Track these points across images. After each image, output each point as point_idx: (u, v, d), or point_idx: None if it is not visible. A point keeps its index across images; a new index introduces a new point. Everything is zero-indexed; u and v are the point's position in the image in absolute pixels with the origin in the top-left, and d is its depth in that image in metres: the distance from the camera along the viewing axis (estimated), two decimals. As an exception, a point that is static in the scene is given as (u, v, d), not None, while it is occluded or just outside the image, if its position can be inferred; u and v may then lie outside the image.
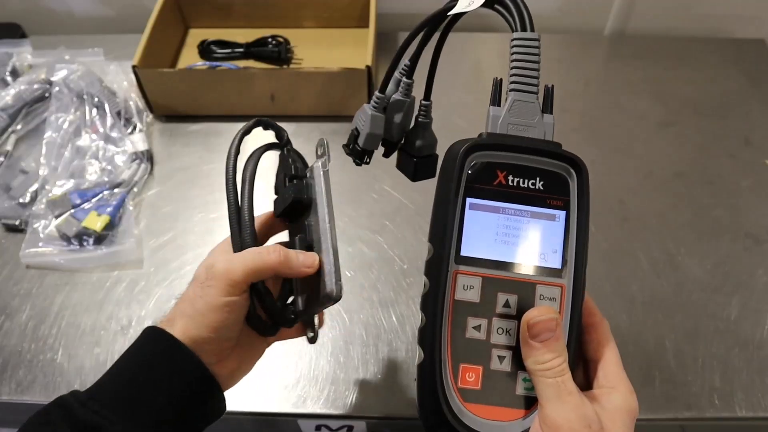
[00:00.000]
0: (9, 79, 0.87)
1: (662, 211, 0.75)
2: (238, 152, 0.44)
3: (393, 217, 0.74)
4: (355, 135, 0.47)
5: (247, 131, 0.45)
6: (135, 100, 0.85)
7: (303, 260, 0.41)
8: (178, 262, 0.70)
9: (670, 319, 0.65)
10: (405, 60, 0.44)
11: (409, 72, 0.44)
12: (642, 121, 0.86)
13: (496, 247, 0.35)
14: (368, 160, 0.48)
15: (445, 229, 0.35)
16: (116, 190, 0.75)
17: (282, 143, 0.48)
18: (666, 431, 0.61)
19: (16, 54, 0.90)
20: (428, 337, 0.34)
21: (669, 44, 0.98)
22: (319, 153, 0.46)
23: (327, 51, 0.94)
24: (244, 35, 0.94)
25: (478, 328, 0.35)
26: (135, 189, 0.77)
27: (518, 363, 0.34)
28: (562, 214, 0.36)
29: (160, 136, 0.84)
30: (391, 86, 0.45)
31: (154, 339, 0.39)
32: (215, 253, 0.42)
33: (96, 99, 0.82)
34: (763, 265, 0.69)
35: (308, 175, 0.46)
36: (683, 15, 1.02)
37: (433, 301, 0.34)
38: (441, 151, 0.39)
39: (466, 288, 0.35)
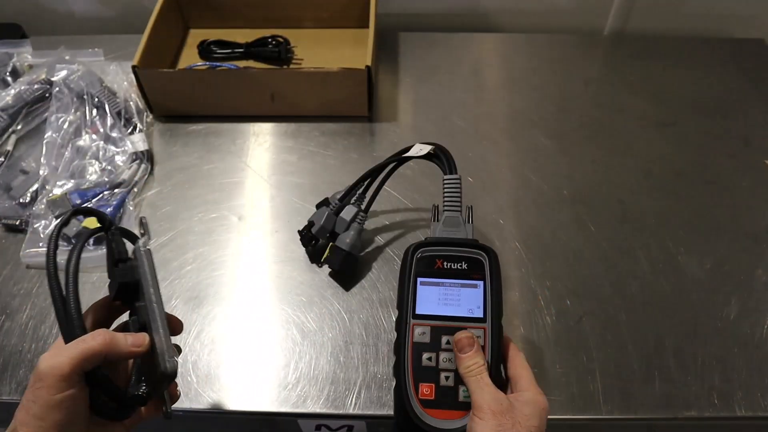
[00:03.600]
0: (9, 79, 0.87)
1: (662, 210, 0.75)
2: (56, 246, 0.44)
3: (393, 217, 0.74)
4: (310, 223, 0.69)
5: (64, 223, 0.46)
6: (135, 100, 0.85)
7: (132, 341, 0.42)
8: (178, 261, 0.70)
9: (670, 318, 0.65)
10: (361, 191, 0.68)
11: (366, 207, 0.68)
12: (641, 120, 0.86)
13: (439, 306, 0.52)
14: (311, 246, 0.70)
15: (405, 298, 0.52)
16: (116, 191, 0.75)
17: (105, 227, 0.48)
18: (664, 431, 0.62)
19: (16, 54, 0.90)
20: (398, 368, 0.51)
21: (668, 44, 0.98)
22: (140, 233, 0.48)
23: (327, 51, 0.94)
24: (244, 35, 0.94)
25: (430, 359, 0.50)
26: (135, 189, 0.77)
27: (458, 380, 0.49)
28: (480, 283, 0.52)
29: (160, 136, 0.84)
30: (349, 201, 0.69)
31: None
32: (44, 355, 0.42)
33: (96, 99, 0.82)
34: (763, 264, 0.69)
35: (133, 257, 0.47)
36: (683, 15, 1.02)
37: (399, 346, 0.51)
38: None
39: (421, 334, 0.51)
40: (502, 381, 0.49)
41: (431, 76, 0.92)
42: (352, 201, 0.68)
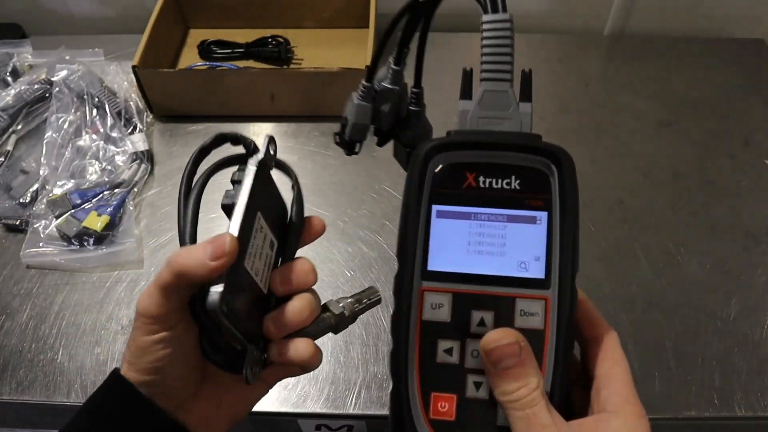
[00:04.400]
0: (9, 79, 0.87)
1: (662, 210, 0.75)
2: (194, 169, 0.38)
3: (393, 217, 0.74)
4: (343, 125, 0.45)
5: (206, 148, 0.38)
6: (135, 100, 0.85)
7: (211, 251, 0.32)
8: (178, 262, 0.70)
9: (670, 318, 0.65)
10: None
11: (397, 59, 0.41)
12: (642, 120, 0.86)
13: (468, 258, 0.32)
14: (357, 150, 0.46)
15: (409, 242, 0.32)
16: (116, 190, 0.75)
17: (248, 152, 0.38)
18: (664, 431, 0.62)
19: (16, 54, 0.90)
20: (396, 363, 0.32)
21: (669, 44, 0.98)
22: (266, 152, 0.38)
23: (327, 51, 0.94)
24: (244, 35, 0.94)
25: (449, 351, 0.31)
26: (135, 189, 0.77)
27: None
28: (543, 215, 0.32)
29: (160, 136, 0.84)
30: (379, 74, 0.42)
31: (114, 389, 0.35)
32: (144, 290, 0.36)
33: (96, 99, 0.82)
34: (763, 264, 0.69)
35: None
36: (683, 15, 1.02)
37: (399, 323, 0.32)
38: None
39: (435, 307, 0.32)
40: (571, 401, 0.32)
41: (431, 76, 0.92)
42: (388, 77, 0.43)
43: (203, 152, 0.37)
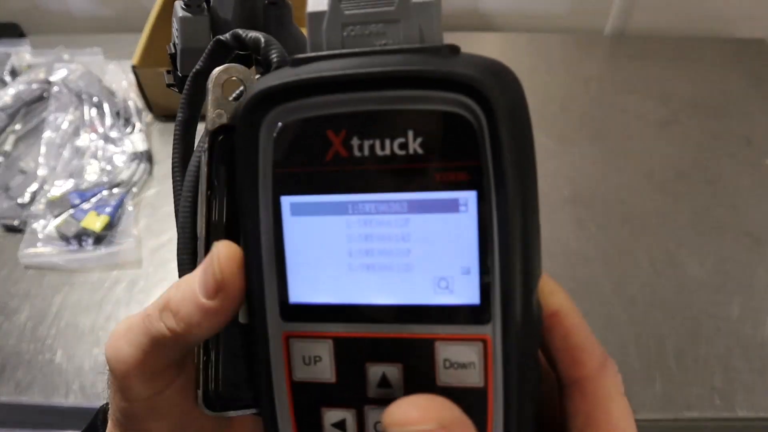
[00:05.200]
0: (8, 78, 0.87)
1: (663, 210, 0.75)
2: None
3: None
4: (172, 55, 0.30)
5: (204, 70, 0.25)
6: (134, 99, 0.85)
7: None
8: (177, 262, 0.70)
9: (671, 319, 0.64)
10: None
11: None
12: (642, 120, 0.86)
13: (352, 278, 0.20)
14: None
15: (252, 262, 0.20)
16: (115, 190, 0.75)
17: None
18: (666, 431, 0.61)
19: (14, 54, 0.90)
20: None
21: (669, 44, 0.98)
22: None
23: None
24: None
25: (341, 426, 0.21)
26: (134, 189, 0.76)
27: None
28: (469, 196, 0.19)
29: (160, 136, 0.84)
30: None
31: None
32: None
33: (95, 99, 0.82)
34: (764, 264, 0.69)
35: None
36: (684, 14, 1.02)
37: (260, 389, 0.21)
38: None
39: (309, 361, 0.21)
40: None
41: None
42: None
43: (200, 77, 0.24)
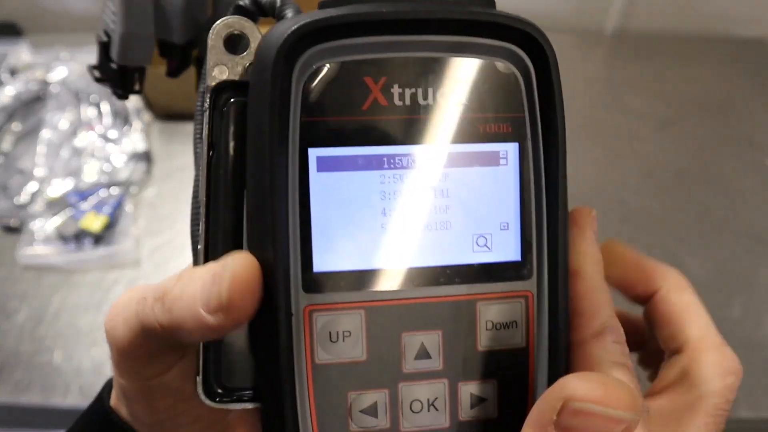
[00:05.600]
0: (5, 78, 0.87)
1: (664, 210, 0.75)
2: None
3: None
4: (104, 44, 0.26)
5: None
6: (133, 99, 0.84)
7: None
8: (176, 262, 0.69)
9: (672, 319, 0.64)
10: None
11: None
12: (643, 120, 0.86)
13: (385, 240, 0.19)
14: (138, 88, 0.27)
15: (270, 224, 0.18)
16: (114, 190, 0.75)
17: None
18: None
19: (12, 53, 0.90)
20: None
21: (671, 43, 0.98)
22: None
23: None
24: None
25: (372, 410, 0.18)
26: (133, 189, 0.76)
27: None
28: (511, 149, 0.19)
29: (159, 136, 0.84)
30: None
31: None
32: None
33: (94, 98, 0.82)
34: (765, 265, 0.69)
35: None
36: (685, 14, 1.01)
37: (271, 376, 0.18)
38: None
39: (336, 337, 0.18)
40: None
41: None
42: None
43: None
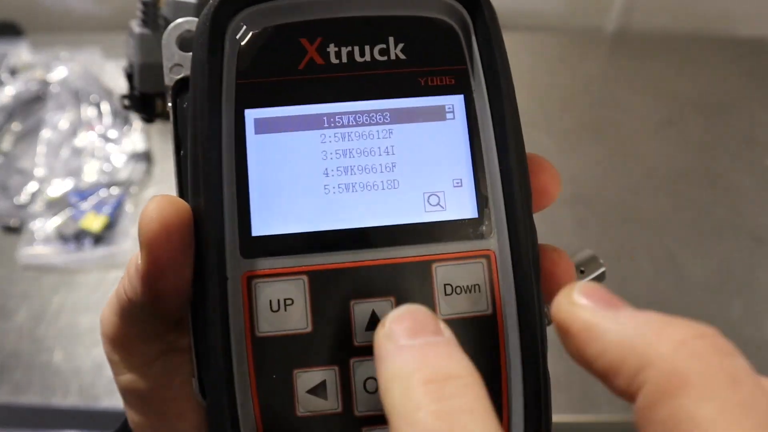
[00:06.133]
0: (5, 77, 0.87)
1: (664, 210, 0.75)
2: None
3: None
4: (129, 74, 0.30)
5: None
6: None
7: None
8: (176, 262, 0.69)
9: (673, 320, 0.64)
10: None
11: None
12: (644, 120, 0.86)
13: (329, 201, 0.18)
14: (160, 111, 0.30)
15: (205, 187, 0.17)
16: (114, 190, 0.75)
17: None
18: None
19: (13, 52, 0.90)
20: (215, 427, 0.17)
21: (671, 43, 0.98)
22: None
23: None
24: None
25: (320, 390, 0.17)
26: (133, 189, 0.76)
27: None
28: (457, 101, 0.18)
29: (159, 136, 0.84)
30: None
31: None
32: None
33: (94, 98, 0.82)
34: (766, 265, 0.69)
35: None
36: (686, 13, 1.01)
37: (205, 350, 0.17)
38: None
39: (277, 306, 0.17)
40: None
41: None
42: None
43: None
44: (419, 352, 0.14)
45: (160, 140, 0.83)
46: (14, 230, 0.73)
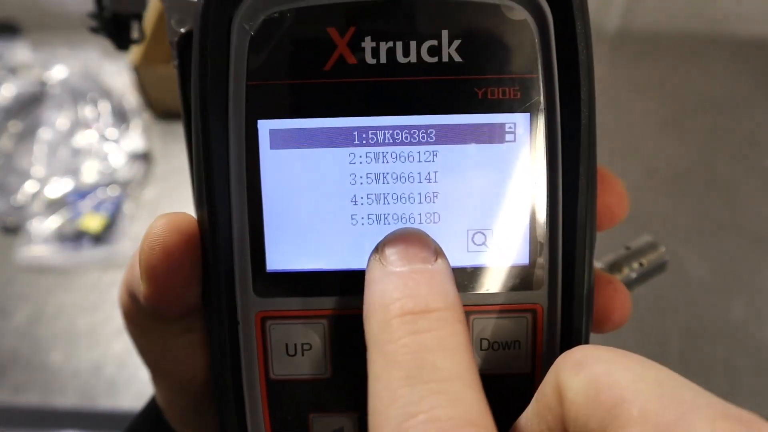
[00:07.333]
0: (4, 77, 0.86)
1: (666, 210, 0.74)
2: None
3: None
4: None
5: None
6: (133, 98, 0.84)
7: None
8: (176, 262, 0.69)
9: (674, 320, 0.64)
10: None
11: None
12: (645, 120, 0.86)
13: (356, 235, 0.15)
14: (136, 37, 0.25)
15: (214, 215, 0.15)
16: (113, 190, 0.74)
17: None
18: None
19: (11, 52, 0.89)
20: None
21: (673, 43, 0.98)
22: None
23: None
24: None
25: None
26: (132, 189, 0.76)
27: None
28: (520, 119, 0.15)
29: (158, 136, 0.84)
30: None
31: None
32: None
33: (92, 97, 0.82)
34: (767, 265, 0.69)
35: None
36: (687, 13, 1.01)
37: (221, 391, 0.16)
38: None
39: (295, 351, 0.15)
40: None
41: None
42: None
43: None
44: (403, 280, 0.13)
45: (160, 140, 0.83)
46: (13, 230, 0.73)
